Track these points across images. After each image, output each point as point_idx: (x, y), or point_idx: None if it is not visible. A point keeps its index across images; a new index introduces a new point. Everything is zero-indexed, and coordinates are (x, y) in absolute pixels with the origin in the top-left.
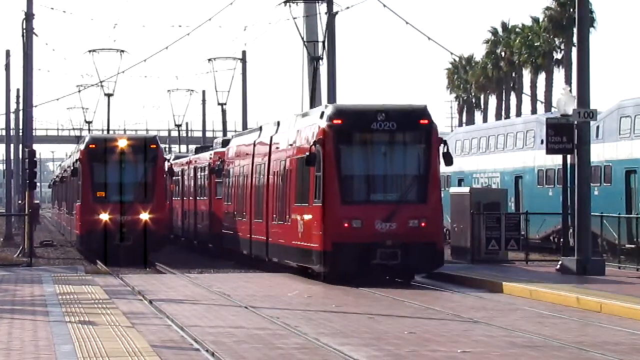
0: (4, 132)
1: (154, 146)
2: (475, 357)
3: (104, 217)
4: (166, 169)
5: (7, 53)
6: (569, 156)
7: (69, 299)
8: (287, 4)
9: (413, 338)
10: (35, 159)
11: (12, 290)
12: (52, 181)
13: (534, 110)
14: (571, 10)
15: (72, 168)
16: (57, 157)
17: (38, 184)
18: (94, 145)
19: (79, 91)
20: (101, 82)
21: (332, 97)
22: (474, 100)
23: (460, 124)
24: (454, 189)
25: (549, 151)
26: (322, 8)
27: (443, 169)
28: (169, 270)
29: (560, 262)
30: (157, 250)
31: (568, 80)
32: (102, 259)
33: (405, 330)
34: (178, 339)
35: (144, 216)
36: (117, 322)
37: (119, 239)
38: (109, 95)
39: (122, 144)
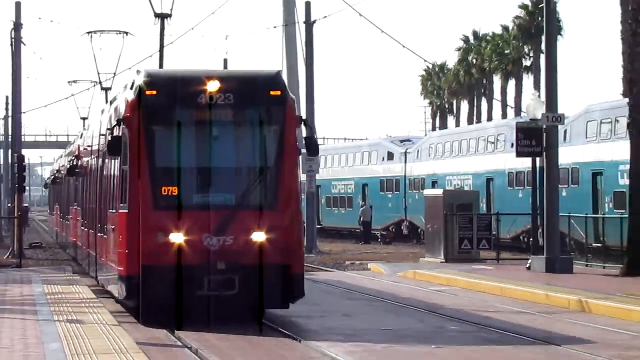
0: None
1: (279, 93)
2: (448, 352)
3: (177, 239)
4: (305, 139)
5: None
6: (538, 159)
7: (57, 299)
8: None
9: None
10: (24, 164)
11: (2, 290)
12: (51, 176)
13: (504, 115)
14: (539, 19)
15: (106, 140)
16: (45, 162)
17: (27, 187)
18: (153, 91)
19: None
20: (99, 80)
21: (310, 104)
22: (446, 106)
23: (434, 129)
24: (427, 191)
25: (519, 154)
26: (300, 17)
27: (418, 170)
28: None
29: (530, 261)
30: (284, 305)
31: (537, 86)
32: (170, 322)
33: None
34: (163, 337)
35: (259, 237)
36: (104, 321)
37: (207, 284)
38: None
39: (214, 87)
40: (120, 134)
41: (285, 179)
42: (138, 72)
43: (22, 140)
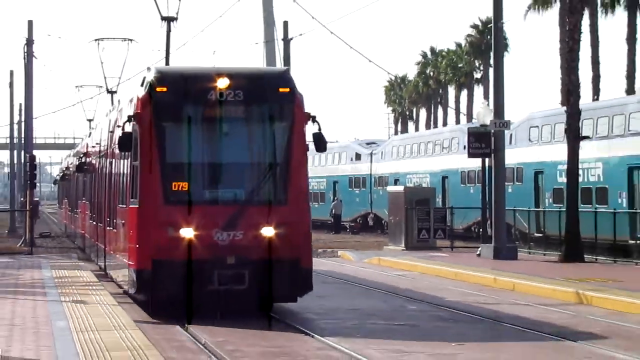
0: (8, 140)
1: (288, 90)
2: (409, 328)
3: (187, 234)
4: (314, 136)
5: (11, 73)
6: (487, 159)
7: (64, 282)
8: None
9: None
10: (35, 163)
11: (15, 274)
12: (60, 173)
13: (457, 121)
14: (488, 37)
15: (115, 137)
16: (54, 162)
17: (37, 184)
18: (164, 88)
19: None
20: (105, 83)
21: None
22: (407, 113)
23: (396, 133)
24: (390, 188)
25: (471, 155)
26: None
27: (382, 170)
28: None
29: (480, 249)
30: (293, 299)
31: (486, 96)
32: (181, 317)
33: None
34: (157, 317)
35: (269, 231)
36: (105, 302)
37: (217, 278)
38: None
39: (224, 84)
40: (131, 130)
41: (294, 175)
42: (148, 69)
43: (34, 142)
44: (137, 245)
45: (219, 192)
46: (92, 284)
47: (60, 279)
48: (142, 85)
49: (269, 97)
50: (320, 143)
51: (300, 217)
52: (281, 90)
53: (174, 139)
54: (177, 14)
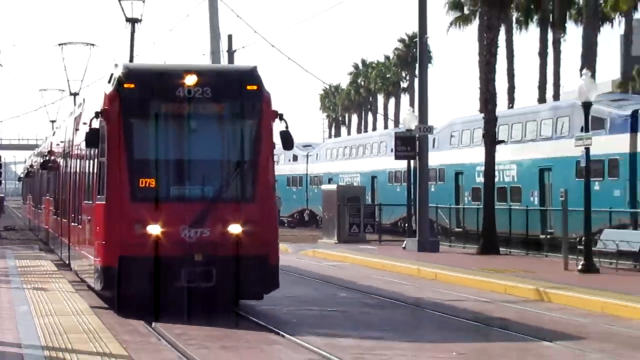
0: None
1: (255, 87)
2: (340, 313)
3: (155, 230)
4: (281, 134)
5: None
6: (412, 161)
7: (26, 271)
8: None
9: None
10: (0, 163)
11: None
12: (24, 171)
13: (385, 126)
14: (414, 50)
15: (86, 131)
16: (18, 161)
17: (2, 181)
18: (131, 84)
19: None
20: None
21: None
22: (340, 118)
23: (330, 137)
24: (325, 186)
25: (397, 157)
26: (225, 47)
27: (317, 170)
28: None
29: (405, 242)
30: (260, 296)
31: (412, 104)
32: (148, 314)
33: None
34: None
35: (236, 229)
36: (64, 289)
37: (185, 275)
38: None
39: (192, 81)
40: (99, 126)
41: (261, 172)
42: (116, 65)
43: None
44: (104, 242)
45: (187, 189)
46: (52, 273)
47: (23, 268)
48: (109, 81)
49: (236, 95)
50: (288, 141)
51: (268, 214)
52: (249, 87)
53: (142, 135)
54: (141, 15)
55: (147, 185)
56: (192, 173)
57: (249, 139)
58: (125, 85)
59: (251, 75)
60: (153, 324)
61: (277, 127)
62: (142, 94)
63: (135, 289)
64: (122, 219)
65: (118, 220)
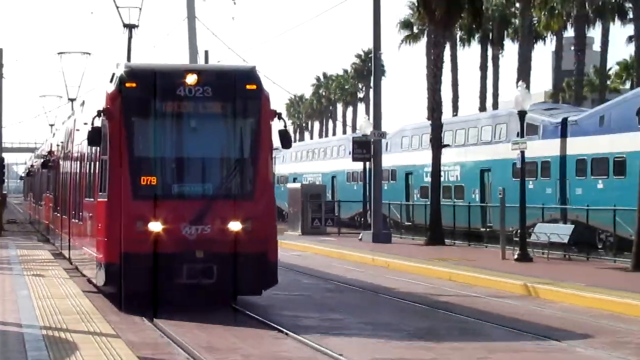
0: None
1: (255, 87)
2: (304, 297)
3: (156, 227)
4: (280, 133)
5: None
6: (367, 163)
7: (26, 259)
8: None
9: None
10: (3, 164)
11: None
12: (26, 170)
13: (344, 132)
14: (369, 64)
15: (88, 130)
16: (19, 162)
17: (5, 180)
18: (133, 83)
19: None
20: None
21: None
22: (304, 125)
23: (295, 141)
24: (290, 185)
25: (354, 159)
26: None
27: (284, 170)
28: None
29: (361, 234)
30: (259, 292)
31: (367, 112)
32: (150, 310)
33: None
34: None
35: (236, 226)
36: (59, 275)
37: (186, 272)
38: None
39: (192, 80)
40: (101, 125)
41: (261, 170)
42: (118, 65)
43: (2, 146)
44: (106, 239)
45: (187, 187)
46: (49, 261)
47: (24, 256)
48: (111, 81)
49: (236, 94)
50: (286, 139)
51: (267, 211)
52: (248, 87)
53: (143, 133)
54: (138, 21)
55: (148, 183)
56: (193, 171)
57: (249, 138)
58: (127, 84)
59: (251, 74)
60: (154, 319)
61: (276, 126)
62: (143, 93)
63: (137, 285)
64: (124, 216)
65: (120, 218)
